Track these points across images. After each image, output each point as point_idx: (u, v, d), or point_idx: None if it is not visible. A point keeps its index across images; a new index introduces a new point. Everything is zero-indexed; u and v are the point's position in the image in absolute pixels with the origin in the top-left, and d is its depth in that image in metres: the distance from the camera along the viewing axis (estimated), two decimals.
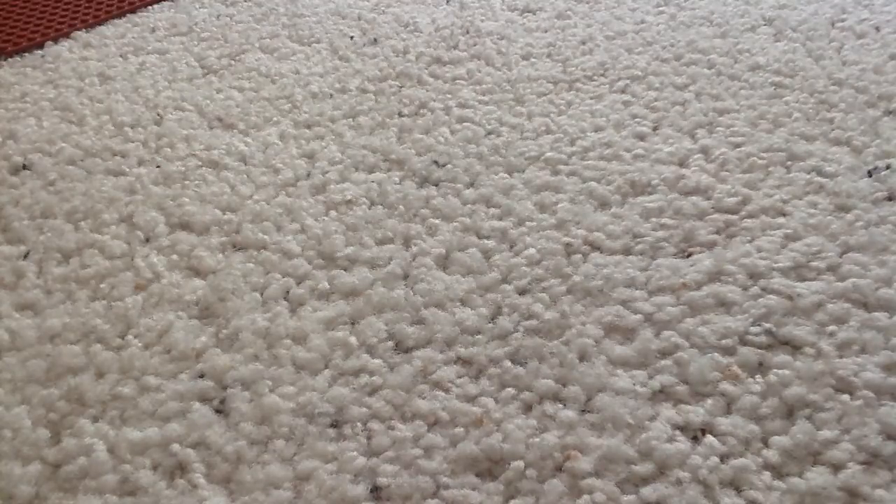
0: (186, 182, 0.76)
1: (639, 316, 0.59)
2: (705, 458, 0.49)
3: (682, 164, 0.76)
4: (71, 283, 0.65)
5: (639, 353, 0.56)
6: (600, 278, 0.63)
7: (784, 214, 0.68)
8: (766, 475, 0.48)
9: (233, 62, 0.98)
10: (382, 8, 1.10)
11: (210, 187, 0.75)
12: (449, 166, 0.77)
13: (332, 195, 0.74)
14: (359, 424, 0.53)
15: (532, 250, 0.66)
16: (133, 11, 1.11)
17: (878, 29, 0.97)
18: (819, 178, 0.72)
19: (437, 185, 0.75)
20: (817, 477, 0.47)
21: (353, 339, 0.59)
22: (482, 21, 1.05)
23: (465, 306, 0.61)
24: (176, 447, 0.51)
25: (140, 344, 0.59)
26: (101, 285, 0.65)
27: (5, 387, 0.56)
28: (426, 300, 0.62)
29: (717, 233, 0.67)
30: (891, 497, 0.46)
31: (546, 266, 0.64)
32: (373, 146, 0.80)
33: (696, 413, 0.52)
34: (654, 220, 0.68)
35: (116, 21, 1.09)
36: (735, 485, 0.48)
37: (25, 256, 0.68)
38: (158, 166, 0.78)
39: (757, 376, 0.54)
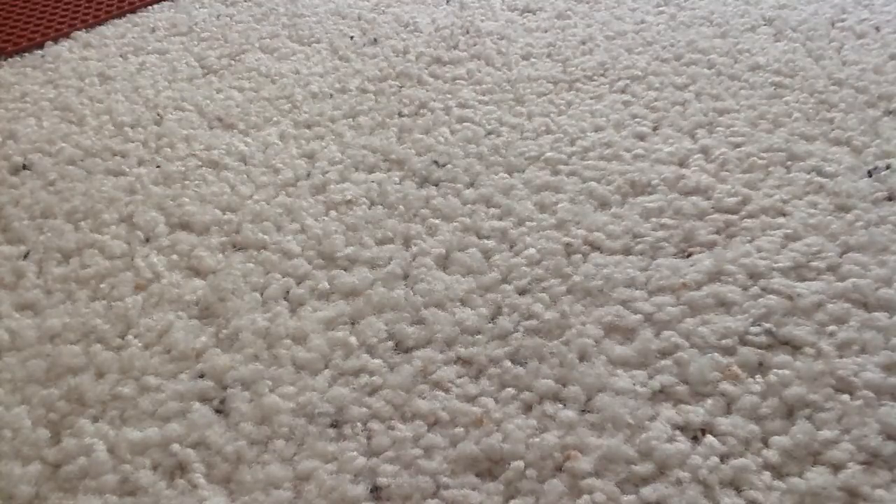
0: (186, 182, 0.76)
1: (639, 316, 0.59)
2: (705, 458, 0.49)
3: (682, 164, 0.76)
4: (71, 283, 0.65)
5: (639, 353, 0.56)
6: (600, 278, 0.63)
7: (784, 214, 0.68)
8: (766, 475, 0.48)
9: (233, 62, 0.98)
10: (382, 8, 1.10)
11: (210, 187, 0.75)
12: (449, 166, 0.77)
13: (332, 195, 0.74)
14: (359, 424, 0.53)
15: (532, 250, 0.66)
16: (133, 11, 1.11)
17: (878, 29, 0.97)
18: (819, 178, 0.72)
19: (437, 185, 0.75)
20: (817, 477, 0.48)
21: (353, 339, 0.59)
22: (482, 21, 1.05)
23: (465, 306, 0.61)
24: (176, 447, 0.51)
25: (140, 344, 0.59)
26: (101, 285, 0.65)
27: (5, 387, 0.56)
28: (426, 300, 0.62)
29: (717, 233, 0.67)
30: (891, 497, 0.46)
31: (546, 266, 0.64)
32: (373, 146, 0.80)
33: (696, 413, 0.52)
34: (654, 220, 0.68)
35: (116, 21, 1.09)
36: (735, 485, 0.48)
37: (25, 256, 0.68)
38: (158, 166, 0.78)
39: (757, 376, 0.54)
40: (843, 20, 0.99)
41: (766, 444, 0.50)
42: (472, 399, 0.54)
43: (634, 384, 0.54)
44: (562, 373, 0.55)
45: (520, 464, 0.49)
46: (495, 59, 0.96)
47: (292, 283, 0.64)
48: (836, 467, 0.48)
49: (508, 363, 0.56)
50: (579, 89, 0.89)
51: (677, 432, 0.51)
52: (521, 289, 0.63)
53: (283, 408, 0.54)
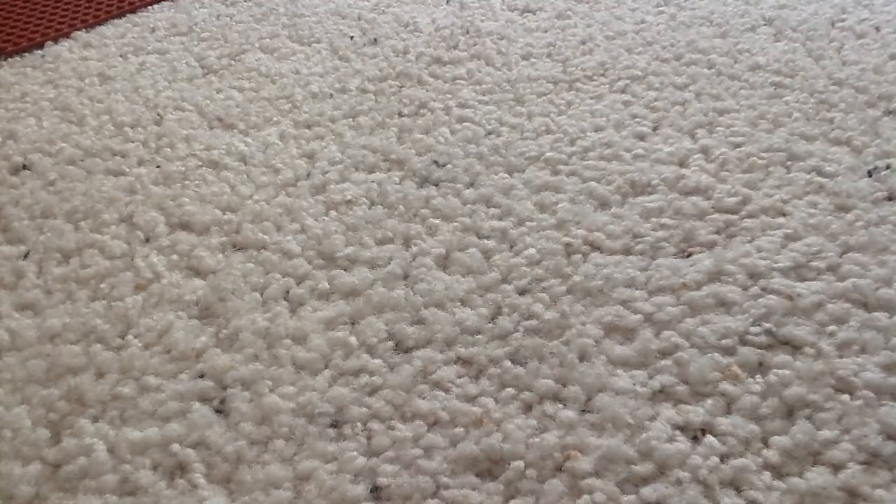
0: (186, 182, 0.76)
1: (639, 316, 0.59)
2: (705, 458, 0.49)
3: (682, 164, 0.76)
4: (71, 283, 0.65)
5: (639, 353, 0.56)
6: (600, 278, 0.63)
7: (784, 214, 0.68)
8: (766, 475, 0.48)
9: (233, 62, 0.98)
10: (382, 8, 1.10)
11: (210, 187, 0.75)
12: (449, 166, 0.77)
13: (332, 195, 0.74)
14: (359, 424, 0.53)
15: (532, 250, 0.66)
16: (133, 11, 1.11)
17: (878, 29, 0.97)
18: (819, 178, 0.72)
19: (437, 185, 0.75)
20: (817, 477, 0.48)
21: (353, 339, 0.59)
22: (482, 21, 1.05)
23: (465, 306, 0.61)
24: (176, 447, 0.51)
25: (140, 344, 0.59)
26: (101, 285, 0.65)
27: (5, 387, 0.56)
28: (426, 300, 0.62)
29: (717, 233, 0.67)
30: (891, 497, 0.46)
31: (546, 266, 0.64)
32: (373, 146, 0.80)
33: (696, 413, 0.52)
34: (654, 220, 0.68)
35: (116, 21, 1.09)
36: (735, 485, 0.48)
37: (25, 256, 0.68)
38: (158, 166, 0.78)
39: (757, 376, 0.54)
40: (843, 20, 0.99)
41: (766, 444, 0.50)
42: (472, 399, 0.54)
43: (634, 384, 0.54)
44: (562, 373, 0.55)
45: (520, 464, 0.49)
46: (495, 59, 0.96)
47: (292, 283, 0.64)
48: (836, 467, 0.48)
49: (508, 363, 0.56)
50: (579, 89, 0.89)
51: (677, 432, 0.51)
52: (521, 289, 0.63)
53: (283, 408, 0.54)
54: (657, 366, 0.55)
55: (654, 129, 0.81)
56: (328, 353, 0.58)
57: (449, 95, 0.89)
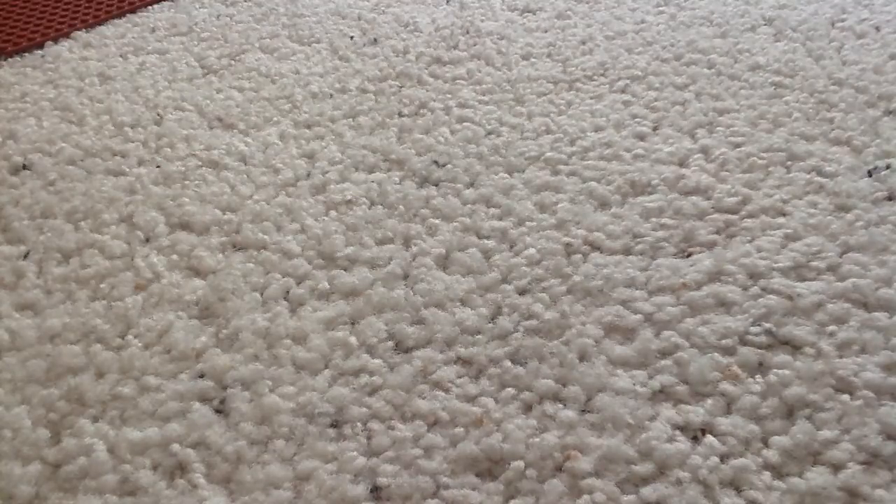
0: (186, 182, 0.76)
1: (639, 316, 0.59)
2: (705, 458, 0.49)
3: (682, 164, 0.76)
4: (71, 283, 0.65)
5: (639, 353, 0.56)
6: (600, 278, 0.63)
7: (784, 214, 0.68)
8: (766, 475, 0.48)
9: (233, 62, 0.98)
10: (382, 8, 1.10)
11: (210, 187, 0.75)
12: (449, 166, 0.77)
13: (332, 195, 0.74)
14: (359, 424, 0.53)
15: (532, 250, 0.66)
16: (133, 11, 1.11)
17: (878, 29, 0.97)
18: (819, 178, 0.72)
19: (437, 185, 0.75)
20: (817, 477, 0.47)
21: (353, 339, 0.59)
22: (482, 21, 1.05)
23: (465, 306, 0.61)
24: (176, 447, 0.51)
25: (140, 344, 0.59)
26: (101, 285, 0.65)
27: (5, 387, 0.56)
28: (426, 300, 0.62)
29: (717, 233, 0.67)
30: (891, 497, 0.46)
31: (546, 266, 0.64)
32: (373, 146, 0.80)
33: (696, 413, 0.52)
34: (654, 220, 0.68)
35: (116, 21, 1.09)
36: (735, 485, 0.48)
37: (25, 256, 0.68)
38: (158, 166, 0.78)
39: (757, 376, 0.54)
40: (843, 20, 0.99)
41: (766, 444, 0.50)
42: (472, 399, 0.54)
43: (634, 384, 0.54)
44: (562, 373, 0.55)
45: (520, 464, 0.49)
46: (495, 59, 0.96)
47: (292, 283, 0.64)
48: (836, 467, 0.48)
49: (508, 363, 0.56)
50: (579, 89, 0.89)
51: (677, 432, 0.51)
52: (521, 289, 0.63)
53: (283, 408, 0.54)
54: (657, 366, 0.55)
55: (654, 129, 0.81)
56: (328, 353, 0.58)
57: (449, 95, 0.89)
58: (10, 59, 1.00)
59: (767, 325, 0.57)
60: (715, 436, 0.50)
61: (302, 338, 0.59)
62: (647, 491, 0.48)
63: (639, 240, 0.66)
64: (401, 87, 0.91)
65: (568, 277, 0.63)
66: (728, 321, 0.58)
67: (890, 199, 0.69)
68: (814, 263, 0.63)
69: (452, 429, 0.52)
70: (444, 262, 0.66)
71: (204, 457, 0.51)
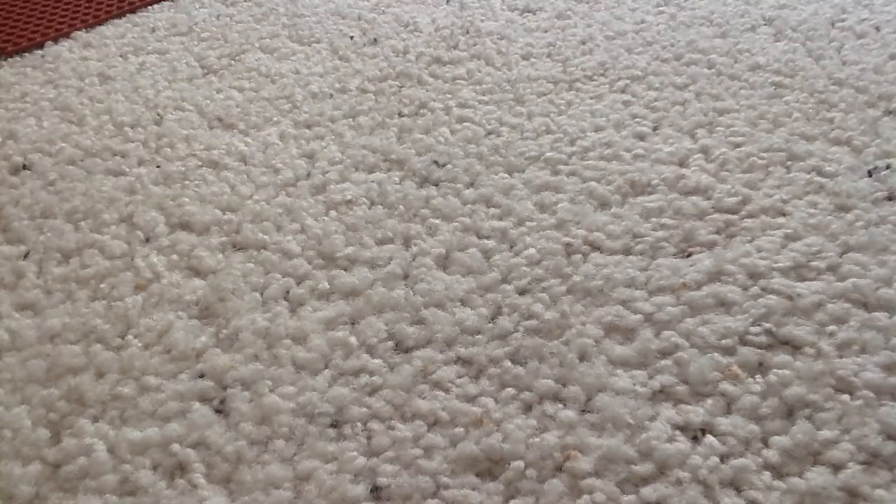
0: (186, 182, 0.76)
1: (639, 316, 0.59)
2: (705, 458, 0.49)
3: (682, 164, 0.76)
4: (71, 283, 0.65)
5: (639, 353, 0.56)
6: (600, 278, 0.63)
7: (784, 214, 0.68)
8: (766, 475, 0.48)
9: (233, 62, 0.98)
10: (382, 8, 1.10)
11: (210, 187, 0.75)
12: (449, 166, 0.77)
13: (332, 195, 0.74)
14: (359, 424, 0.53)
15: (532, 250, 0.66)
16: (133, 11, 1.11)
17: (878, 29, 0.97)
18: (819, 178, 0.72)
19: (437, 185, 0.75)
20: (817, 477, 0.47)
21: (353, 339, 0.59)
22: (482, 21, 1.05)
23: (465, 306, 0.61)
24: (176, 447, 0.51)
25: (140, 344, 0.59)
26: (101, 285, 0.65)
27: (5, 387, 0.56)
28: (426, 300, 0.62)
29: (717, 233, 0.67)
30: (891, 497, 0.46)
31: (546, 266, 0.64)
32: (373, 146, 0.80)
33: (696, 413, 0.52)
34: (654, 220, 0.68)
35: (116, 21, 1.09)
36: (735, 485, 0.48)
37: (25, 256, 0.68)
38: (158, 166, 0.78)
39: (757, 376, 0.54)
40: (843, 20, 0.99)
41: (766, 444, 0.50)
42: (472, 399, 0.54)
43: (634, 384, 0.54)
44: (562, 373, 0.55)
45: (520, 464, 0.49)
46: (495, 59, 0.96)
47: (292, 283, 0.64)
48: (836, 467, 0.48)
49: (508, 363, 0.56)
50: (579, 89, 0.89)
51: (677, 432, 0.51)
52: (521, 289, 0.63)
53: (283, 408, 0.54)
54: (657, 366, 0.55)
55: (654, 129, 0.81)
56: (328, 353, 0.58)
57: (449, 95, 0.89)
58: (10, 59, 1.00)
59: (767, 325, 0.57)
60: (715, 436, 0.50)
61: (302, 338, 0.59)
62: (647, 491, 0.48)
63: (639, 240, 0.66)
64: (401, 87, 0.91)
65: (568, 277, 0.63)
66: (728, 321, 0.58)
67: (890, 199, 0.69)
68: (814, 263, 0.63)
69: (452, 429, 0.52)
70: (444, 262, 0.66)
71: (204, 457, 0.51)
